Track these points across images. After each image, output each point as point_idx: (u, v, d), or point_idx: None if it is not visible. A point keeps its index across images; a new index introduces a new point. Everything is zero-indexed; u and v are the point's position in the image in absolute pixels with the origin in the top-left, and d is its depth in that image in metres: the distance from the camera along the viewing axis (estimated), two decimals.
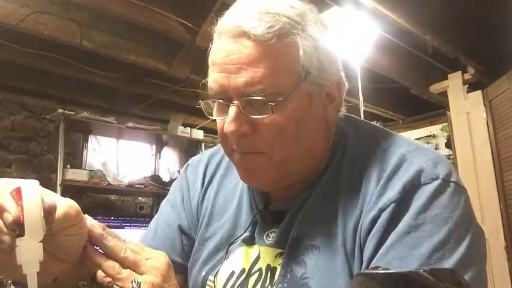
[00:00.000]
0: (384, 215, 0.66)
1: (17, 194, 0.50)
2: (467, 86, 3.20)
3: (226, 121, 0.70)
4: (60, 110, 3.41)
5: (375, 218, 0.67)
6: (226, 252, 0.81)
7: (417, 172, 0.68)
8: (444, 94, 3.28)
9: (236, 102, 0.69)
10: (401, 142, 0.75)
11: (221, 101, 0.72)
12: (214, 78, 0.71)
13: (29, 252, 0.49)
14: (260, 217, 0.80)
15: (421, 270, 0.31)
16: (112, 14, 2.73)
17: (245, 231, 0.81)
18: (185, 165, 1.00)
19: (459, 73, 3.21)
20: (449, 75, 3.24)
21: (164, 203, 0.96)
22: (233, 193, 0.87)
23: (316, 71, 0.72)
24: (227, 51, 0.69)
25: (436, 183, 0.67)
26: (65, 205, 0.55)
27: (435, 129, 3.56)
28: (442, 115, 3.55)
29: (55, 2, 2.74)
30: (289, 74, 0.70)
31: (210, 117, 0.75)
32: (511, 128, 2.79)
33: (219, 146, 0.92)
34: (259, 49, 0.67)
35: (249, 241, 0.80)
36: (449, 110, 3.28)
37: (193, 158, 1.02)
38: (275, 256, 0.76)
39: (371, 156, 0.74)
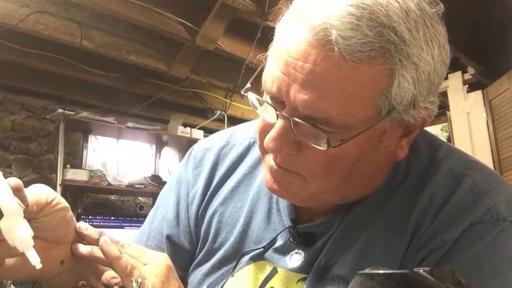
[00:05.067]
0: (435, 256, 0.58)
1: None
2: (467, 86, 3.20)
3: (269, 134, 0.57)
4: (60, 110, 3.41)
5: (424, 259, 0.58)
6: (234, 268, 0.71)
7: (487, 210, 0.58)
8: (444, 94, 3.27)
9: (288, 116, 0.55)
10: (472, 164, 0.64)
11: (270, 104, 0.58)
12: (272, 74, 0.57)
13: (16, 230, 0.50)
14: (285, 235, 0.69)
15: (421, 270, 0.31)
16: (112, 14, 2.73)
17: (260, 248, 0.70)
18: (187, 154, 0.85)
19: (459, 73, 3.20)
20: (449, 75, 3.24)
21: (159, 199, 0.85)
22: (243, 200, 0.75)
23: (405, 107, 0.55)
24: (300, 50, 0.53)
25: (503, 224, 0.58)
26: (33, 190, 0.55)
27: (435, 129, 3.55)
28: (442, 115, 3.54)
29: (55, 2, 2.74)
30: (367, 107, 0.54)
31: (254, 109, 0.62)
32: (511, 128, 2.79)
33: (229, 134, 0.83)
34: (341, 69, 0.51)
35: (258, 258, 0.70)
36: (449, 110, 3.28)
37: (197, 147, 0.85)
38: (297, 281, 0.65)
39: (432, 178, 0.62)
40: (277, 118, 0.57)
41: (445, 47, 0.57)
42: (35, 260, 0.51)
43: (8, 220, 0.49)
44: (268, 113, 0.59)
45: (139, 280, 0.58)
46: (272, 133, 0.57)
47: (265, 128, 0.60)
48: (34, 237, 0.51)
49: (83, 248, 0.61)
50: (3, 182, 0.50)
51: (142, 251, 0.63)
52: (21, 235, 0.50)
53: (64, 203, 0.58)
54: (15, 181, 0.51)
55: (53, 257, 0.58)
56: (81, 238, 0.62)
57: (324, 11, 0.52)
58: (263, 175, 0.67)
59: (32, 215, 0.53)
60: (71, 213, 0.60)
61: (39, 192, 0.55)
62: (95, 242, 0.61)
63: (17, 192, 0.51)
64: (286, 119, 0.56)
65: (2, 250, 0.51)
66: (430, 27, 0.55)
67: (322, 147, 0.54)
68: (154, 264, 0.61)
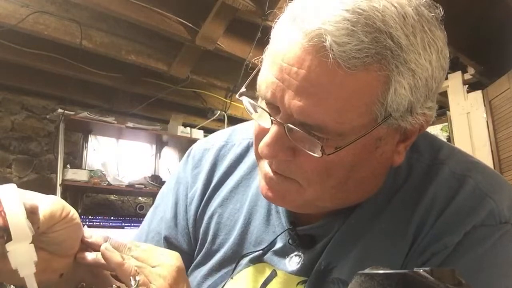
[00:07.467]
0: (437, 260, 0.57)
1: None
2: (467, 86, 3.21)
3: (263, 140, 0.56)
4: (60, 110, 3.41)
5: (425, 262, 0.58)
6: (233, 271, 0.69)
7: (489, 212, 0.58)
8: (444, 94, 3.27)
9: (282, 122, 0.54)
10: (474, 165, 0.64)
11: (265, 110, 0.57)
12: (266, 79, 0.55)
13: (22, 255, 0.49)
14: (284, 237, 0.68)
15: (421, 270, 0.31)
16: (112, 14, 2.73)
17: (259, 250, 0.68)
18: (186, 154, 0.84)
19: (459, 73, 3.21)
20: (449, 75, 3.24)
21: (158, 199, 0.84)
22: (242, 201, 0.74)
23: (401, 114, 0.54)
24: (294, 56, 0.52)
25: (505, 227, 0.57)
26: (49, 203, 0.54)
27: (435, 129, 3.55)
28: (442, 115, 3.54)
29: (55, 2, 2.74)
30: (363, 114, 0.52)
31: (250, 114, 0.61)
32: (511, 128, 2.79)
33: (229, 134, 0.82)
34: (335, 76, 0.50)
35: (257, 261, 0.69)
36: (449, 110, 3.28)
37: (196, 147, 0.84)
38: (297, 284, 0.64)
39: (434, 179, 0.61)
40: (272, 123, 0.56)
41: (444, 52, 0.56)
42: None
43: (16, 244, 0.49)
44: (263, 118, 0.58)
45: (138, 278, 0.57)
46: (267, 139, 0.56)
47: (261, 133, 0.59)
48: (38, 248, 0.51)
49: (88, 256, 0.60)
50: (19, 203, 0.50)
51: (151, 252, 0.61)
52: (25, 261, 0.50)
53: (77, 219, 0.57)
54: (31, 203, 0.50)
55: (54, 269, 0.57)
56: (86, 245, 0.61)
57: (319, 16, 0.50)
58: (258, 182, 0.66)
59: (42, 231, 0.53)
60: (82, 230, 0.59)
61: (53, 206, 0.54)
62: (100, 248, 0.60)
63: (31, 214, 0.50)
64: (281, 125, 0.55)
65: (3, 264, 0.50)
66: (428, 32, 0.53)
67: (317, 154, 0.53)
68: (162, 266, 0.59)
